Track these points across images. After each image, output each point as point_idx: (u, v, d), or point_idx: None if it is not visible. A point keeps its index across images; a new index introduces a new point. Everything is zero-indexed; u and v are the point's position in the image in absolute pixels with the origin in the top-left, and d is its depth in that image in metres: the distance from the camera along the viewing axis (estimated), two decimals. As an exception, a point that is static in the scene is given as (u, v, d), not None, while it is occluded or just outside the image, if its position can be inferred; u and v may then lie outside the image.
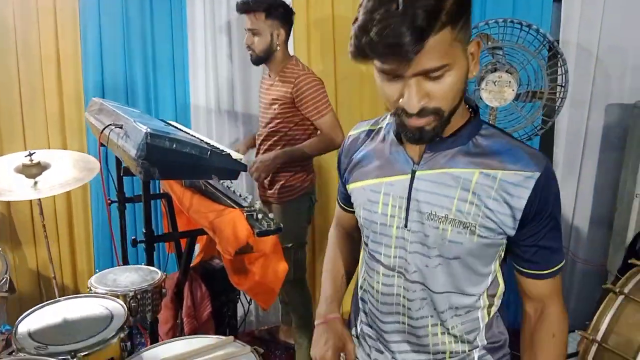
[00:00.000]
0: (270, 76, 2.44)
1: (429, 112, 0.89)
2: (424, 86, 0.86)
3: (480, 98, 2.19)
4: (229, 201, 1.95)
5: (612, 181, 2.81)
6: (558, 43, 2.45)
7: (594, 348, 1.48)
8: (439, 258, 1.01)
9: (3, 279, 1.26)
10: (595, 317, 1.50)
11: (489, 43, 2.18)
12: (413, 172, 1.01)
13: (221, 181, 2.18)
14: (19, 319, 1.42)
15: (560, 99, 2.23)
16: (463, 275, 1.03)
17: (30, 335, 1.35)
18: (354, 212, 1.17)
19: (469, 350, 1.09)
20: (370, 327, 1.18)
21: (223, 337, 1.48)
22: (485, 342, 1.10)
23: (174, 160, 1.71)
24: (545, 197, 0.96)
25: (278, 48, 2.29)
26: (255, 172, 2.39)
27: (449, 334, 1.07)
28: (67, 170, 1.64)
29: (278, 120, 2.37)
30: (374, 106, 2.86)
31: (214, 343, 1.44)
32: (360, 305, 1.21)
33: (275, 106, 2.33)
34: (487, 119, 2.33)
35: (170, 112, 2.91)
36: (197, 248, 2.48)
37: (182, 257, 2.21)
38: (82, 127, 2.89)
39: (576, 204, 2.94)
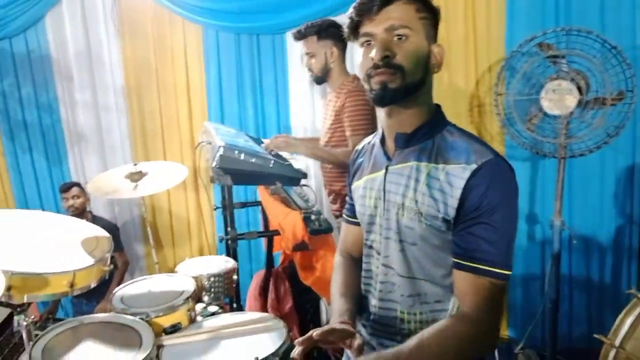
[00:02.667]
0: (329, 95, 2.64)
1: (393, 65, 1.06)
2: (390, 44, 1.06)
3: (541, 107, 2.19)
4: (294, 205, 2.26)
5: None
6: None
7: (612, 353, 1.45)
8: (401, 243, 1.14)
9: (107, 255, 1.71)
10: (616, 322, 1.47)
11: (549, 51, 2.18)
12: (387, 168, 1.18)
13: (298, 191, 2.51)
14: (117, 288, 1.89)
15: (628, 105, 2.12)
16: (426, 262, 1.12)
17: (122, 299, 1.81)
18: (358, 222, 1.31)
19: None
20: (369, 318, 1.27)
21: (265, 314, 1.77)
22: None
23: (243, 169, 2.08)
24: (479, 186, 1.02)
25: (332, 65, 2.45)
26: (271, 144, 2.42)
27: (417, 321, 1.17)
28: (161, 176, 2.10)
29: (332, 134, 2.50)
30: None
31: (257, 318, 1.74)
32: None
33: (330, 124, 2.50)
34: (558, 128, 2.30)
35: (274, 132, 3.34)
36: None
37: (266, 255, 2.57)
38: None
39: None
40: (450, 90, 2.94)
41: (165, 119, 3.53)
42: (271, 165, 2.09)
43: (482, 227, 1.03)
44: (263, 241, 3.01)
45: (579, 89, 2.18)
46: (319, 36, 2.42)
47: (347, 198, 1.41)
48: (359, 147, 1.37)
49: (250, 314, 1.79)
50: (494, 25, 2.80)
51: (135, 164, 2.08)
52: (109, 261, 1.75)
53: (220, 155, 2.03)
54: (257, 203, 2.90)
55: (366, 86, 1.12)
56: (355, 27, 1.11)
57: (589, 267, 2.82)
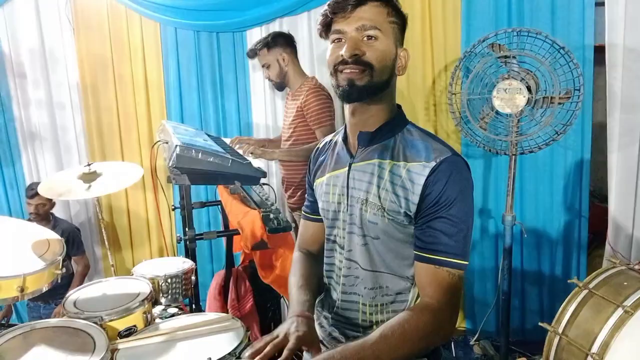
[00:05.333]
0: (289, 96, 2.73)
1: (362, 62, 1.10)
2: (360, 43, 1.11)
3: (493, 106, 2.26)
4: (253, 204, 2.26)
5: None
6: (604, 47, 2.43)
7: (556, 339, 1.52)
8: (364, 237, 1.19)
9: (58, 258, 1.67)
10: (559, 310, 1.54)
11: (500, 52, 2.25)
12: (350, 165, 1.22)
13: (257, 190, 2.51)
14: (71, 291, 1.85)
15: (575, 103, 2.21)
16: (388, 256, 1.18)
17: (75, 303, 1.77)
18: (318, 218, 1.36)
19: None
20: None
21: (224, 314, 1.76)
22: None
23: (200, 169, 2.06)
24: (437, 183, 1.09)
25: (287, 69, 2.61)
26: (247, 147, 2.46)
27: (378, 312, 1.22)
28: (115, 177, 2.07)
29: (293, 130, 2.62)
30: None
31: (214, 318, 1.73)
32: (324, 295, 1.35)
33: (291, 120, 2.60)
34: (510, 126, 2.37)
35: (235, 130, 3.33)
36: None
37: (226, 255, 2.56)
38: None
39: (635, 208, 2.78)
40: (408, 89, 2.99)
41: (122, 117, 3.46)
42: (229, 165, 2.08)
43: (441, 221, 1.09)
44: (223, 241, 3.00)
45: (529, 88, 2.26)
46: (268, 48, 2.59)
47: (307, 195, 1.43)
48: (320, 145, 1.41)
49: (207, 315, 1.78)
50: (450, 25, 2.86)
51: (89, 165, 2.04)
52: (61, 264, 1.71)
53: (177, 155, 2.01)
54: (217, 202, 2.89)
55: (333, 82, 1.16)
56: (328, 24, 1.16)
57: (540, 260, 2.93)
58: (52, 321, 1.65)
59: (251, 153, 2.39)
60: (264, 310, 2.70)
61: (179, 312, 1.99)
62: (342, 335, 1.28)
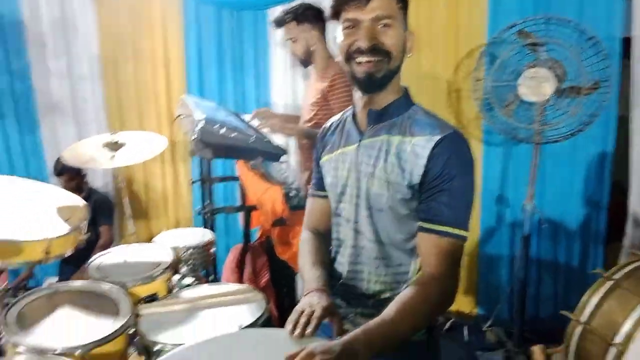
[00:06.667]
0: (313, 76, 2.64)
1: (380, 51, 1.14)
2: (376, 32, 1.14)
3: (518, 94, 2.24)
4: (274, 180, 2.27)
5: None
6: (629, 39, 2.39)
7: (579, 329, 1.53)
8: (370, 210, 1.24)
9: (83, 224, 1.69)
10: (582, 300, 1.54)
11: (528, 39, 2.22)
12: (360, 142, 1.27)
13: (277, 167, 2.51)
14: (93, 257, 1.88)
15: (603, 95, 2.18)
16: (391, 228, 1.22)
17: (98, 268, 1.80)
18: (325, 195, 1.39)
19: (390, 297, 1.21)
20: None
21: (244, 286, 1.79)
22: None
23: (222, 143, 2.07)
24: (441, 156, 1.13)
25: (314, 48, 2.48)
26: (266, 121, 2.43)
27: (380, 282, 1.26)
28: (140, 146, 2.08)
29: (315, 113, 2.49)
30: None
31: (236, 289, 1.76)
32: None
33: (313, 102, 2.50)
34: (534, 114, 2.36)
35: (253, 107, 3.31)
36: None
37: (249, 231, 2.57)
38: (184, 121, 3.43)
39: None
40: (429, 75, 2.96)
41: (142, 90, 3.47)
42: (251, 141, 2.09)
43: (444, 194, 1.14)
44: (240, 216, 3.01)
45: (556, 77, 2.24)
46: (298, 21, 2.46)
47: (313, 173, 1.46)
48: (327, 124, 1.44)
49: (228, 286, 1.81)
50: (475, 11, 2.82)
51: (113, 133, 2.04)
52: (85, 230, 1.73)
53: (201, 128, 2.02)
54: (235, 178, 2.90)
55: (345, 68, 1.20)
56: (339, 10, 1.16)
57: (557, 250, 2.92)
58: (76, 284, 1.68)
59: (271, 127, 2.35)
60: (279, 285, 2.72)
61: (195, 282, 2.01)
62: (344, 302, 1.33)
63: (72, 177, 3.19)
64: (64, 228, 1.67)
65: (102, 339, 1.42)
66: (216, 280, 2.35)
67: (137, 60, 3.41)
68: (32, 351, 1.37)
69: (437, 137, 1.15)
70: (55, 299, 1.62)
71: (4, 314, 1.50)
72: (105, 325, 1.48)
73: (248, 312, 1.59)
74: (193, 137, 2.05)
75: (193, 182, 2.79)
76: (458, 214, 1.14)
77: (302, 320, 1.08)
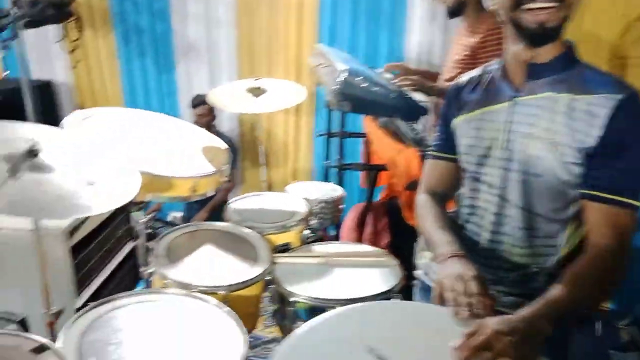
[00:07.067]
0: (461, 30, 2.42)
1: None
2: None
3: None
4: (409, 141, 2.16)
5: None
6: None
7: None
8: (524, 174, 1.12)
9: (223, 167, 1.72)
10: None
11: None
12: (514, 99, 1.14)
13: (410, 126, 2.39)
14: (230, 200, 1.92)
15: None
16: (545, 195, 1.11)
17: (236, 211, 1.83)
18: (450, 158, 1.29)
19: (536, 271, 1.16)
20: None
21: (378, 249, 1.74)
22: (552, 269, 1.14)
23: (363, 97, 1.98)
24: (624, 117, 1.01)
25: None
26: (406, 76, 2.25)
27: (525, 255, 1.16)
28: (280, 94, 2.06)
29: (459, 70, 2.24)
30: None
31: (369, 251, 1.71)
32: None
33: (459, 59, 2.31)
34: None
35: (384, 61, 3.17)
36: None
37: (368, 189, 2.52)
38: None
39: None
40: (589, 37, 2.62)
41: (273, 38, 3.46)
42: (393, 96, 1.98)
43: (622, 160, 1.03)
44: (361, 174, 2.96)
45: None
46: None
47: (438, 133, 1.35)
48: (462, 80, 1.31)
49: (362, 246, 1.77)
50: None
51: (257, 79, 2.04)
52: (227, 173, 1.77)
53: (343, 80, 1.94)
54: (360, 135, 2.83)
55: (508, 15, 1.08)
56: None
57: None
58: (218, 225, 1.72)
59: (411, 83, 2.20)
60: (398, 249, 2.66)
61: (311, 235, 1.97)
62: None
63: (205, 113, 3.32)
64: (209, 168, 1.71)
65: (244, 281, 1.45)
66: (336, 237, 2.34)
67: (271, 7, 3.39)
68: (178, 285, 1.42)
69: (619, 96, 1.02)
70: (199, 236, 1.68)
71: (155, 244, 1.58)
72: (245, 269, 1.51)
73: (382, 278, 1.53)
74: (333, 88, 1.98)
75: (319, 135, 2.76)
76: (636, 183, 1.05)
77: (463, 299, 0.98)
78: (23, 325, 1.64)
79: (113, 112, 1.81)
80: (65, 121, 1.62)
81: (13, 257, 2.24)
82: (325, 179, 2.92)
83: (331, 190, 2.08)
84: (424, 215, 1.30)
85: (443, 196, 1.35)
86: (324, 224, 2.02)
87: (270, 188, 3.71)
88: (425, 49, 3.06)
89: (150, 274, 1.80)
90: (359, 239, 2.63)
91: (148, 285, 1.58)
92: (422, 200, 1.35)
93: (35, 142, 1.18)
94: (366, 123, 2.60)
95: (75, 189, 1.20)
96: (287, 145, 3.66)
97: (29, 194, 1.09)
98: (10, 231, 2.22)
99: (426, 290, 1.39)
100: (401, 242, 2.65)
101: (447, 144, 1.31)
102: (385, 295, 1.47)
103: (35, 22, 3.23)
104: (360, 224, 2.60)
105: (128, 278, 2.98)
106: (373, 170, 2.39)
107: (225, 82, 3.63)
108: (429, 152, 1.39)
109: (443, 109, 1.34)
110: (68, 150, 1.32)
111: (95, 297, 2.55)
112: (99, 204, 1.20)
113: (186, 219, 3.55)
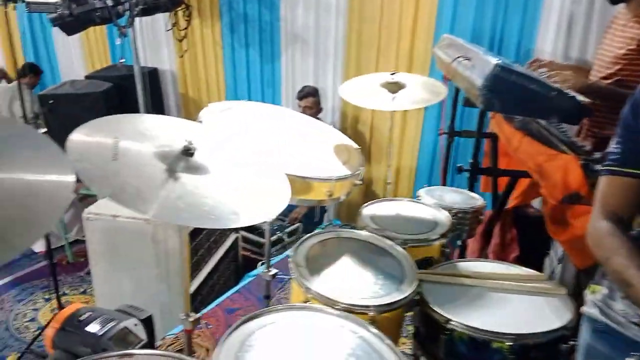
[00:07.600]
0: (626, 15, 2.09)
1: None
2: None
3: None
4: (563, 147, 1.88)
5: None
6: None
7: None
8: None
9: (359, 170, 1.56)
10: None
11: None
12: None
13: (558, 129, 2.11)
14: (364, 205, 1.75)
15: None
16: None
17: (372, 218, 1.66)
18: (635, 173, 1.10)
19: None
20: None
21: (536, 272, 1.50)
22: None
23: (517, 95, 1.73)
24: None
25: None
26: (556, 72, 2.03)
27: None
28: (419, 91, 1.86)
29: (620, 71, 2.03)
30: None
31: (525, 274, 1.48)
32: None
33: (621, 53, 2.01)
34: None
35: (511, 56, 2.89)
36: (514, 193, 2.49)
37: (499, 196, 2.26)
38: (427, 61, 3.14)
39: None
40: None
41: (385, 27, 3.25)
42: (553, 95, 1.72)
43: None
44: (482, 179, 2.70)
45: None
46: None
47: (618, 145, 1.15)
48: None
49: (517, 268, 1.54)
50: None
51: (393, 73, 1.85)
52: (362, 176, 1.60)
53: (495, 75, 1.70)
54: (486, 135, 2.57)
55: None
56: None
57: None
58: (358, 233, 1.56)
59: (563, 79, 1.93)
60: (526, 264, 2.40)
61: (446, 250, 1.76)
62: None
63: (312, 105, 3.20)
64: (345, 171, 1.55)
65: (393, 303, 1.27)
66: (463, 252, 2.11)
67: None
68: (320, 298, 1.28)
69: None
70: (338, 244, 1.52)
71: (294, 248, 1.45)
72: (391, 290, 1.33)
73: (551, 309, 1.30)
74: (481, 85, 1.75)
75: (441, 134, 2.53)
76: None
77: None
78: (148, 324, 1.56)
79: (248, 106, 1.70)
80: (201, 115, 1.52)
81: (132, 245, 2.22)
82: (444, 182, 2.70)
83: (469, 198, 1.86)
84: (612, 249, 1.11)
85: (627, 221, 1.15)
86: (461, 237, 1.81)
87: (367, 187, 3.55)
88: (562, 41, 2.73)
89: (273, 275, 1.69)
90: (481, 250, 2.40)
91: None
92: (605, 229, 1.14)
93: (191, 140, 1.06)
94: (497, 123, 2.34)
95: (229, 193, 1.07)
96: (392, 140, 3.46)
97: (188, 199, 0.97)
98: (130, 221, 2.20)
99: (603, 332, 1.19)
100: (530, 256, 2.39)
101: (633, 157, 1.12)
102: (558, 333, 1.24)
103: (149, 10, 3.24)
104: (486, 234, 2.36)
105: (230, 269, 2.94)
106: (512, 177, 2.13)
107: (330, 73, 3.49)
108: (605, 167, 1.17)
109: (626, 115, 1.13)
110: (215, 149, 1.20)
111: (203, 285, 2.53)
112: (253, 213, 1.07)
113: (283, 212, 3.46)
